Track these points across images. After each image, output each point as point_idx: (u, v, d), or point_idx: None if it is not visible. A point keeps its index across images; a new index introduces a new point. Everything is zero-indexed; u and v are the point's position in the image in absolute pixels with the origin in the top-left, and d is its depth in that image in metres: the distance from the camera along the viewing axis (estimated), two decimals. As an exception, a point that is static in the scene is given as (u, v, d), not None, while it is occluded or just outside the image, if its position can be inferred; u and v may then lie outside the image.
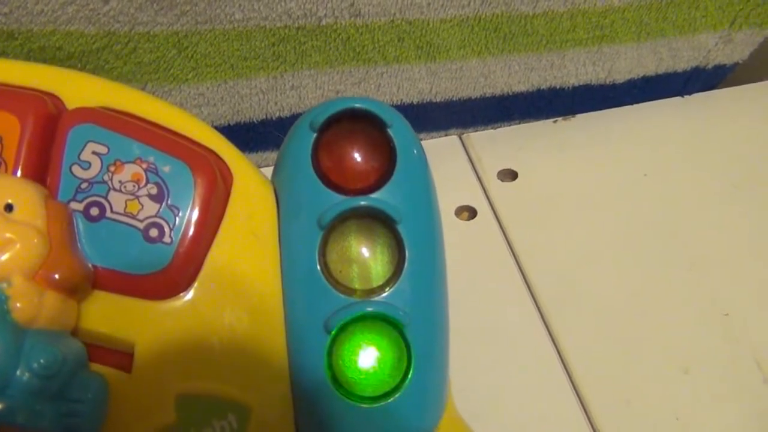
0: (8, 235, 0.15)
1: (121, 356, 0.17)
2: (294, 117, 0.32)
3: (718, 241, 0.31)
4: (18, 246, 0.15)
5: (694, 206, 0.32)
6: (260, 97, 0.31)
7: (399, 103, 0.33)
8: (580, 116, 0.36)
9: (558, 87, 0.34)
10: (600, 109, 0.36)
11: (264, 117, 0.32)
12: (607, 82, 0.34)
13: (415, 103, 0.33)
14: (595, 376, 0.26)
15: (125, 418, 0.17)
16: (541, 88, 0.34)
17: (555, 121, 0.36)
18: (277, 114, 0.32)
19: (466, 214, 0.32)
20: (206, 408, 0.17)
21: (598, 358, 0.26)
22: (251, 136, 0.32)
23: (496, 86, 0.33)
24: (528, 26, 0.30)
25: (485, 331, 0.27)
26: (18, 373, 0.15)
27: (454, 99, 0.33)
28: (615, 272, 0.29)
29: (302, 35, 0.29)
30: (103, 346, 0.17)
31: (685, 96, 0.37)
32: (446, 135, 0.36)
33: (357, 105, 0.19)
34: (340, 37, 0.29)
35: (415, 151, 0.19)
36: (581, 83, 0.34)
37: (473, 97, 0.34)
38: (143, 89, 0.29)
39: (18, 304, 0.15)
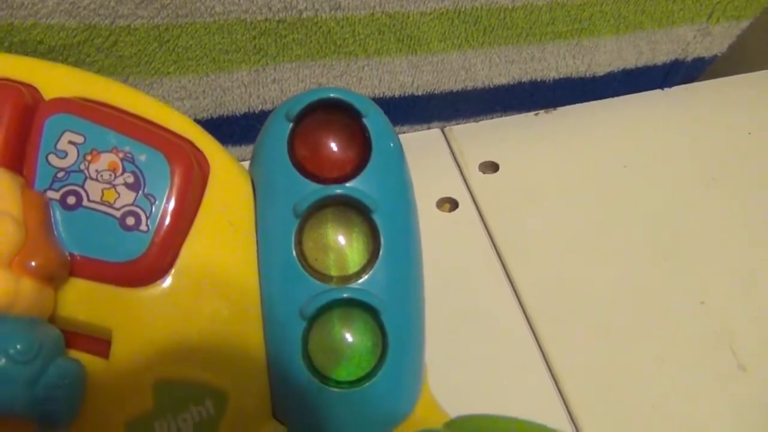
0: (-13, 223, 0.15)
1: (98, 343, 0.17)
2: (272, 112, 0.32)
3: (695, 232, 0.31)
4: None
5: (672, 197, 0.33)
6: (242, 90, 0.31)
7: (381, 95, 0.33)
8: (561, 109, 0.36)
9: (539, 80, 0.34)
10: (581, 101, 0.36)
11: (246, 110, 0.32)
12: (588, 75, 0.35)
13: (396, 96, 0.33)
14: (572, 365, 0.26)
15: (102, 404, 0.17)
16: (522, 80, 0.34)
17: (536, 114, 0.36)
18: (260, 107, 0.32)
19: (447, 206, 0.32)
20: (184, 394, 0.18)
21: (576, 346, 0.27)
22: (234, 129, 0.32)
23: (477, 79, 0.33)
24: (508, 19, 0.31)
25: (465, 320, 0.28)
26: (-5, 358, 0.15)
27: (436, 92, 0.34)
28: (594, 263, 0.30)
29: (283, 28, 0.29)
30: (81, 333, 0.17)
31: (665, 89, 0.37)
32: (429, 128, 0.36)
33: (332, 95, 0.19)
34: (321, 30, 0.29)
35: (390, 142, 0.20)
36: (562, 76, 0.34)
37: (455, 90, 0.34)
38: (125, 82, 0.30)
39: (-4, 291, 0.15)
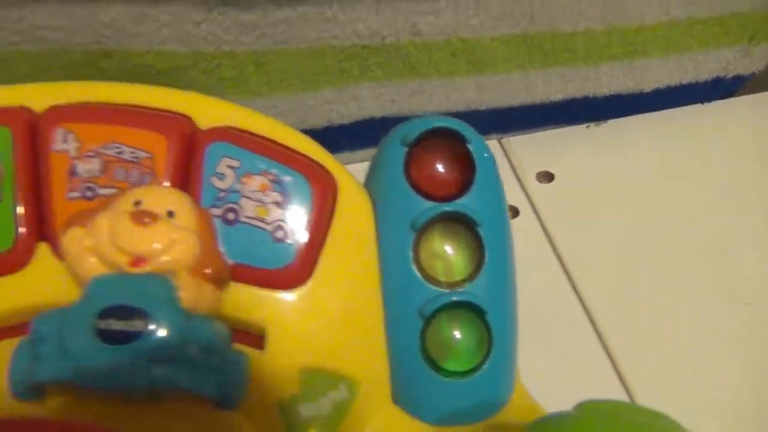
0: (174, 236, 0.19)
1: (254, 337, 0.20)
2: (353, 124, 0.35)
3: (737, 236, 0.34)
4: (181, 246, 0.19)
5: (713, 202, 0.36)
6: (324, 107, 0.34)
7: (447, 111, 0.36)
8: (610, 122, 0.39)
9: (591, 96, 0.37)
10: (628, 115, 0.39)
11: (327, 124, 0.35)
12: (636, 91, 0.37)
13: (461, 111, 0.36)
14: (635, 360, 0.29)
15: (260, 388, 0.20)
16: (576, 97, 0.37)
17: (587, 127, 0.39)
18: (338, 122, 0.35)
19: (510, 213, 0.35)
20: (323, 380, 0.21)
21: (637, 342, 0.30)
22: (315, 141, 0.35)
23: (535, 96, 0.36)
24: (568, 43, 0.33)
25: (529, 321, 0.30)
26: (187, 348, 0.18)
27: (497, 107, 0.36)
28: (648, 264, 0.33)
29: (367, 52, 0.32)
30: (239, 329, 0.20)
31: (705, 103, 0.40)
32: (487, 140, 0.39)
33: (442, 124, 0.22)
34: (400, 53, 0.32)
35: (490, 164, 0.23)
36: (613, 93, 0.37)
37: (514, 106, 0.37)
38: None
39: (184, 294, 0.18)
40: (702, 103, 0.40)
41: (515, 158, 0.38)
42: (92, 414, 0.18)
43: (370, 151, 0.36)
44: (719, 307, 0.31)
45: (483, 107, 0.36)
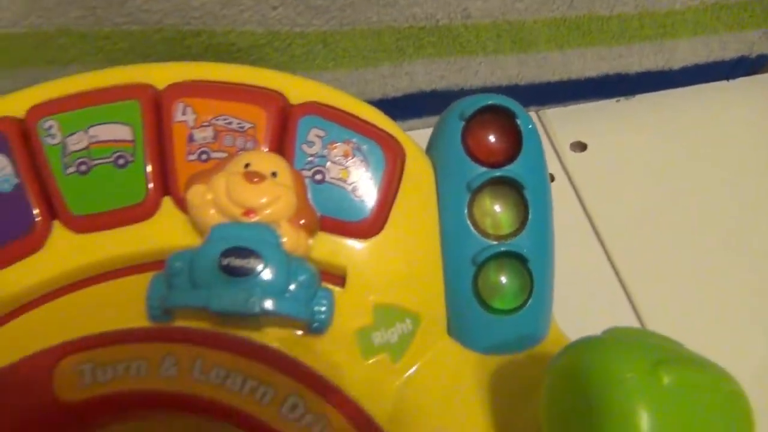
0: (277, 193, 0.23)
1: (336, 277, 0.25)
2: (405, 96, 0.39)
3: (760, 203, 0.37)
4: (282, 201, 0.23)
5: (734, 170, 0.39)
6: (381, 81, 0.38)
7: (490, 85, 0.40)
8: (639, 96, 0.43)
9: (623, 73, 0.40)
10: (656, 90, 0.42)
11: (382, 96, 0.39)
12: (665, 69, 0.41)
13: (503, 85, 0.40)
14: (658, 311, 0.33)
15: (341, 317, 0.24)
16: (609, 74, 0.40)
17: (618, 101, 0.43)
18: (392, 94, 0.39)
19: (546, 179, 0.39)
20: (392, 314, 0.25)
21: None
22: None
23: (571, 72, 0.40)
24: (604, 25, 0.37)
25: (562, 269, 0.34)
26: (289, 283, 0.22)
27: (536, 82, 0.40)
28: (671, 224, 0.36)
29: (422, 33, 0.36)
30: (325, 270, 0.25)
31: (730, 80, 0.43)
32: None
33: (495, 102, 0.26)
34: (452, 34, 0.36)
35: (535, 136, 0.27)
36: (643, 70, 0.40)
37: (552, 81, 0.40)
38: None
39: (285, 239, 0.23)
40: (727, 80, 0.43)
41: (551, 129, 0.41)
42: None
43: (419, 121, 0.40)
44: (742, 268, 0.35)
45: (523, 82, 0.40)
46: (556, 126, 0.41)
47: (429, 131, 0.31)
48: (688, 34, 0.38)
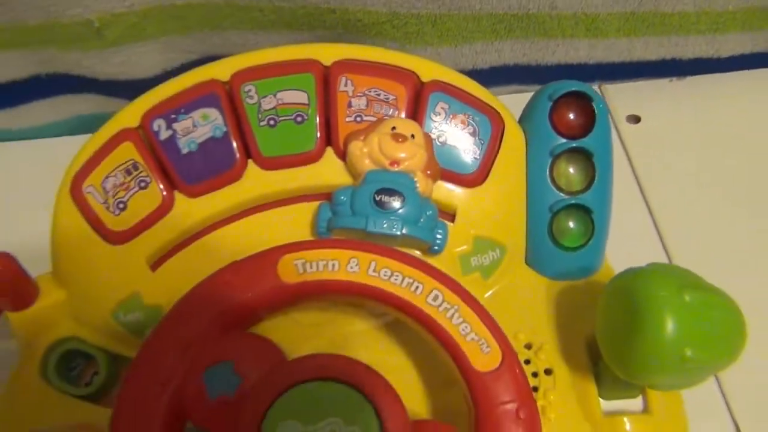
0: (415, 150, 0.31)
1: (448, 215, 0.33)
2: (492, 69, 0.47)
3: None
4: (418, 156, 0.31)
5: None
6: (474, 56, 0.46)
7: (563, 63, 0.47)
8: (690, 78, 0.50)
9: (677, 58, 0.48)
10: (706, 74, 0.49)
11: (472, 68, 0.47)
12: (714, 57, 0.48)
13: (573, 63, 0.47)
14: (690, 254, 0.41)
15: (450, 245, 0.33)
16: (665, 58, 0.48)
17: (670, 80, 0.50)
18: (482, 67, 0.47)
19: (604, 145, 0.47)
20: (486, 244, 0.34)
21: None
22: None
23: (633, 56, 0.47)
24: (666, 20, 0.44)
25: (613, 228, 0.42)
26: (420, 215, 0.31)
27: (602, 63, 0.48)
28: (710, 189, 0.44)
29: (513, 19, 0.43)
30: (441, 209, 0.33)
31: (772, 68, 0.50)
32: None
33: (576, 88, 0.34)
34: (537, 20, 0.43)
35: (605, 116, 0.35)
36: (695, 57, 0.47)
37: (616, 62, 0.48)
38: (401, 50, 0.44)
39: (418, 184, 0.31)
40: (768, 68, 0.50)
41: (611, 102, 0.49)
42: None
43: (503, 88, 0.48)
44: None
45: (591, 62, 0.47)
46: (616, 100, 0.49)
47: (510, 97, 0.39)
48: (737, 30, 0.45)
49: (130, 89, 0.45)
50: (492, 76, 0.47)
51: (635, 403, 0.33)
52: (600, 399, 0.32)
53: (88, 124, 0.48)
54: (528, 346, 0.33)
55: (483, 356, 0.26)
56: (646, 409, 0.32)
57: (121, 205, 0.32)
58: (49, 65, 0.43)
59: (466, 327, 0.27)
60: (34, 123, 0.47)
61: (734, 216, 0.44)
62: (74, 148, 0.35)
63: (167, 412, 0.25)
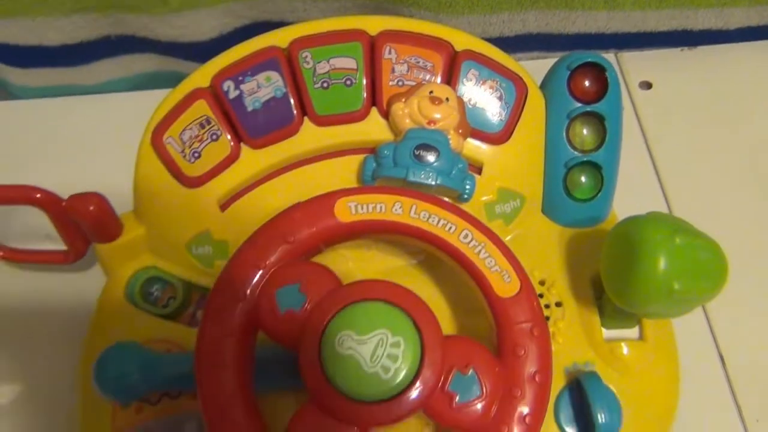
0: (449, 112, 0.36)
1: (476, 168, 0.38)
2: (516, 36, 0.51)
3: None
4: (451, 117, 0.36)
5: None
6: (500, 24, 0.50)
7: (583, 32, 0.51)
8: (700, 48, 0.54)
9: (688, 30, 0.52)
10: (715, 44, 0.53)
11: (499, 36, 0.51)
12: (723, 29, 0.52)
13: (592, 32, 0.52)
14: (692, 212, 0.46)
15: (476, 195, 0.38)
16: (677, 29, 0.52)
17: (682, 50, 0.54)
18: (507, 35, 0.51)
19: (617, 109, 0.51)
20: (509, 194, 0.39)
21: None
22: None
23: (647, 26, 0.51)
24: (678, -5, 0.48)
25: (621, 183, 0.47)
26: (453, 167, 0.36)
27: (619, 32, 0.52)
28: (716, 153, 0.48)
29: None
30: (470, 163, 0.38)
31: (776, 40, 0.54)
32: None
33: (592, 59, 0.39)
34: (561, -7, 0.48)
35: (617, 84, 0.39)
36: (705, 29, 0.52)
37: (631, 32, 0.52)
38: (435, 17, 0.49)
39: (451, 142, 0.36)
40: (774, 39, 0.54)
41: (625, 68, 0.53)
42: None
43: (526, 54, 0.52)
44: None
45: (608, 32, 0.52)
46: (630, 66, 0.53)
47: (533, 63, 0.44)
48: (745, 4, 0.49)
49: (188, 51, 0.50)
50: (517, 43, 0.51)
51: (632, 332, 0.38)
52: (602, 328, 0.38)
53: (148, 81, 0.54)
54: (542, 283, 0.38)
55: (504, 285, 0.32)
56: (641, 337, 0.38)
57: (196, 154, 0.37)
58: (118, 27, 0.48)
59: (491, 261, 0.32)
60: (103, 79, 0.52)
61: (732, 173, 0.48)
62: (137, 102, 0.40)
63: (243, 322, 0.31)
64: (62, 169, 0.47)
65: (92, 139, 0.48)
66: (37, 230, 0.41)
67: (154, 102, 0.39)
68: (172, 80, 0.53)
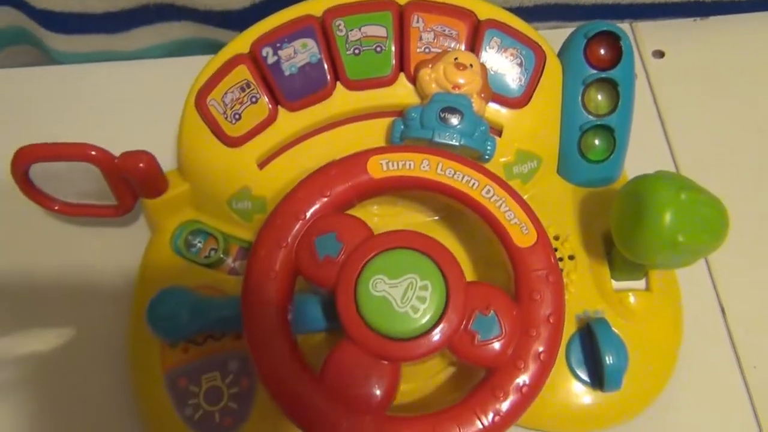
0: (473, 77, 0.39)
1: (496, 131, 0.41)
2: (535, 6, 0.53)
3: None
4: (475, 82, 0.39)
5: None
6: None
7: (599, 3, 0.54)
8: (712, 18, 0.56)
9: (701, 0, 0.54)
10: (727, 14, 0.55)
11: (518, 5, 0.53)
12: (734, 0, 0.54)
13: (609, 4, 0.54)
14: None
15: (496, 156, 0.41)
16: (691, 0, 0.54)
17: (694, 20, 0.56)
18: (527, 5, 0.53)
19: (630, 77, 0.53)
20: (526, 156, 0.42)
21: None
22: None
23: (665, -1, 0.54)
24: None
25: (632, 145, 0.50)
26: (475, 129, 0.39)
27: (634, 3, 0.54)
28: (732, 122, 0.51)
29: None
30: (491, 125, 0.41)
31: (786, 10, 0.56)
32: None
33: (607, 28, 0.41)
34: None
35: (631, 52, 0.42)
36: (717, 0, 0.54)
37: (645, 2, 0.54)
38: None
39: (474, 105, 0.39)
40: (784, 9, 0.56)
41: (639, 38, 0.55)
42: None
43: (543, 24, 0.54)
44: None
45: (624, 2, 0.54)
46: (644, 35, 0.55)
47: (551, 32, 0.46)
48: (757, -24, 0.51)
49: (222, 19, 0.53)
50: (536, 13, 0.53)
51: (639, 283, 0.41)
52: (612, 280, 0.41)
53: (182, 48, 0.57)
54: (556, 237, 0.41)
55: (523, 235, 0.35)
56: (647, 288, 0.41)
57: (237, 116, 0.40)
58: (156, -4, 0.51)
59: (510, 214, 0.35)
60: (140, 46, 0.55)
61: (738, 138, 0.51)
62: (173, 67, 0.43)
63: (284, 267, 0.34)
64: (103, 131, 0.50)
65: (131, 103, 0.51)
66: (88, 191, 0.44)
67: (188, 68, 0.42)
68: (205, 47, 0.56)
